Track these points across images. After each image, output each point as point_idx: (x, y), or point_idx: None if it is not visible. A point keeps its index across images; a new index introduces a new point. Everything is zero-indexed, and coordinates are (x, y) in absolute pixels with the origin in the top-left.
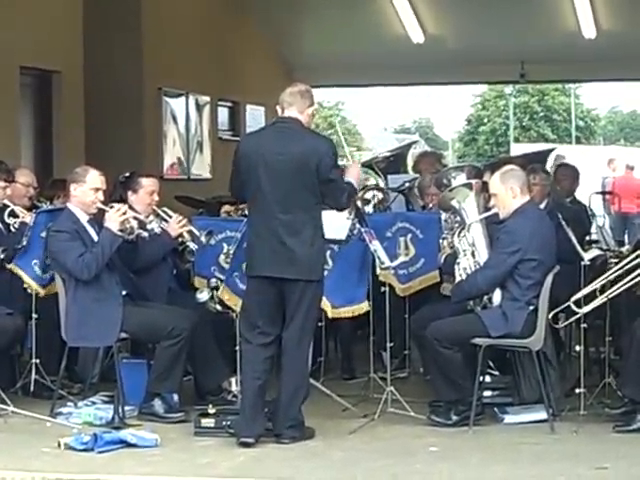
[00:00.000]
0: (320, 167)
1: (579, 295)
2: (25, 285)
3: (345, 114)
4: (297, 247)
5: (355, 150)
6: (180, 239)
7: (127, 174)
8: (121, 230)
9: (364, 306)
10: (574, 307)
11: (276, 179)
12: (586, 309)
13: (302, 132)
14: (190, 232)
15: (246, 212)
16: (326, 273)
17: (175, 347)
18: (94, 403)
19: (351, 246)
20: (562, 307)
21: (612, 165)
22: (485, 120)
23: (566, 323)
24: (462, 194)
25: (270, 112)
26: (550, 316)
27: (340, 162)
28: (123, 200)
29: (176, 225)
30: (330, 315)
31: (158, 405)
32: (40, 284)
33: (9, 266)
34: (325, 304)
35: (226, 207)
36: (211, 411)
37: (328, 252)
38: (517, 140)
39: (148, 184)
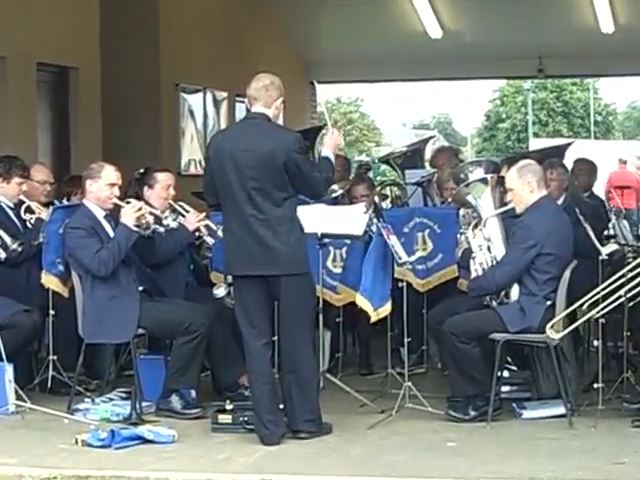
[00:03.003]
0: (288, 162)
1: (593, 293)
2: (55, 289)
3: (364, 110)
4: (273, 243)
5: (374, 145)
6: (197, 233)
7: (142, 170)
8: (137, 226)
9: (390, 303)
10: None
11: (244, 176)
12: (601, 311)
13: (268, 127)
14: (207, 226)
15: None
16: (363, 276)
17: (192, 343)
18: (111, 399)
19: (377, 245)
20: (574, 307)
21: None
22: (504, 116)
23: (580, 322)
24: (478, 189)
25: (288, 108)
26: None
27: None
28: (139, 197)
29: (193, 219)
30: (373, 319)
31: (175, 401)
32: (64, 280)
33: (43, 280)
34: (369, 309)
35: None
36: (228, 407)
37: (344, 248)
38: (536, 135)
39: (164, 179)
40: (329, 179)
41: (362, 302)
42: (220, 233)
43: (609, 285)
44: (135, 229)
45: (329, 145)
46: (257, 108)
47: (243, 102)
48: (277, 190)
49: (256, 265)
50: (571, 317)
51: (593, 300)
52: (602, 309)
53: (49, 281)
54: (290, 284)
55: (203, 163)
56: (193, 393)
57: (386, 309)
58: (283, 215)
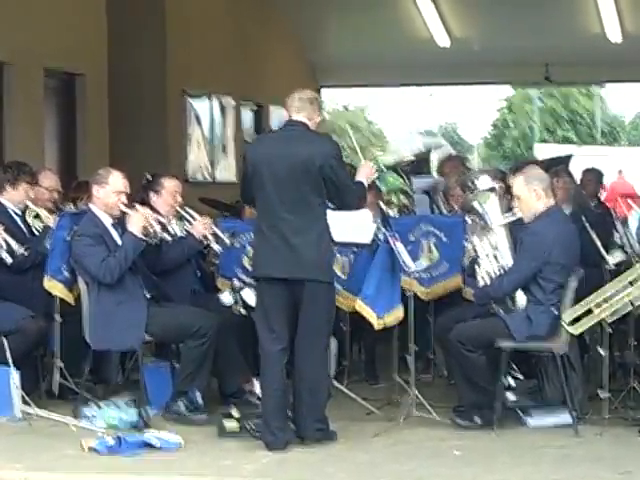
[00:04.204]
0: (325, 168)
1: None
2: (59, 295)
3: (370, 117)
4: (303, 248)
5: (380, 152)
6: (204, 241)
7: (149, 176)
8: (144, 234)
9: (402, 309)
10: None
11: (280, 180)
12: (606, 312)
13: (307, 134)
14: (214, 234)
15: None
16: (366, 283)
17: (202, 347)
18: (118, 406)
19: (383, 252)
20: (579, 312)
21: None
22: (511, 124)
23: (585, 323)
24: (485, 197)
25: None
26: (568, 320)
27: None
28: (145, 203)
29: (201, 226)
30: (377, 327)
31: (182, 404)
32: (69, 286)
33: (46, 285)
34: (371, 316)
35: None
36: (234, 413)
37: (352, 255)
38: (544, 141)
39: (170, 185)
40: (361, 194)
41: (363, 309)
42: (227, 240)
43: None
44: (142, 237)
45: (362, 174)
46: (298, 117)
47: (249, 108)
48: (312, 196)
49: (282, 268)
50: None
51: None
52: (610, 310)
53: (53, 286)
54: (314, 291)
55: (209, 169)
56: (199, 398)
57: (395, 317)
58: (315, 221)
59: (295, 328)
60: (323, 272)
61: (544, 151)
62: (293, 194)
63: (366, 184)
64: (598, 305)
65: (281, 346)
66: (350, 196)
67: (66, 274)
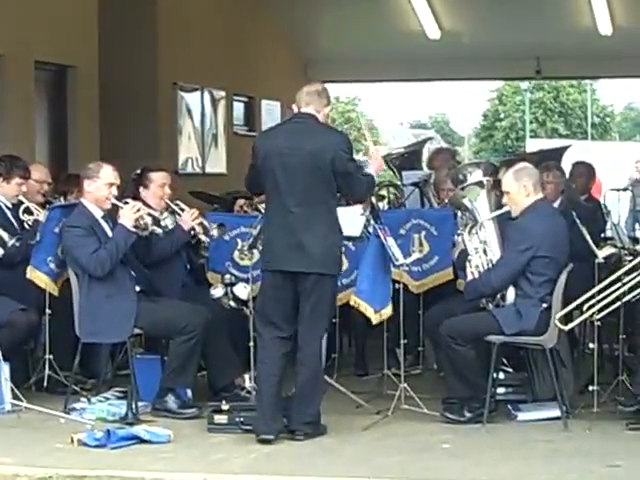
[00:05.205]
0: (336, 161)
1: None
2: (43, 286)
3: (361, 109)
4: (310, 241)
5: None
6: (192, 232)
7: (138, 171)
8: (135, 226)
9: (391, 307)
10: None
11: (291, 174)
12: (596, 309)
13: (317, 127)
14: (202, 225)
15: (260, 208)
16: (359, 277)
17: (189, 343)
18: (107, 399)
19: (374, 247)
20: (568, 309)
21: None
22: (502, 115)
23: (576, 323)
24: (474, 192)
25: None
26: (559, 316)
27: (357, 157)
28: (136, 197)
29: (188, 218)
30: (375, 321)
31: (172, 401)
32: (54, 278)
33: (29, 275)
34: (368, 311)
35: (240, 201)
36: (224, 407)
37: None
38: (534, 134)
39: (158, 177)
40: (371, 185)
41: (360, 304)
42: (214, 232)
43: (606, 287)
44: (133, 230)
45: (373, 167)
46: (307, 110)
47: (240, 101)
48: (323, 189)
49: (291, 261)
50: (568, 320)
51: (590, 303)
52: (599, 310)
53: (37, 277)
54: (318, 283)
55: (200, 162)
56: (189, 393)
57: (388, 311)
58: (325, 214)
59: (293, 321)
60: (328, 265)
61: (536, 146)
62: (304, 188)
63: (375, 176)
64: (590, 305)
65: (280, 335)
66: (359, 188)
67: (52, 266)
